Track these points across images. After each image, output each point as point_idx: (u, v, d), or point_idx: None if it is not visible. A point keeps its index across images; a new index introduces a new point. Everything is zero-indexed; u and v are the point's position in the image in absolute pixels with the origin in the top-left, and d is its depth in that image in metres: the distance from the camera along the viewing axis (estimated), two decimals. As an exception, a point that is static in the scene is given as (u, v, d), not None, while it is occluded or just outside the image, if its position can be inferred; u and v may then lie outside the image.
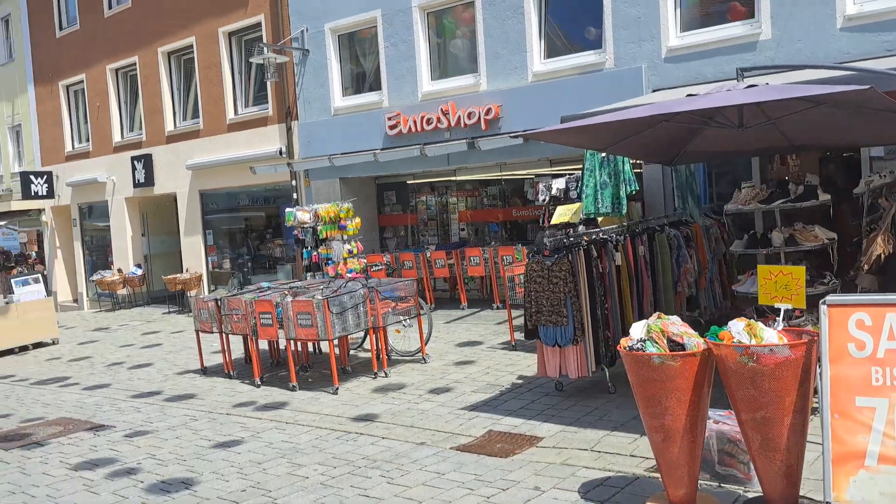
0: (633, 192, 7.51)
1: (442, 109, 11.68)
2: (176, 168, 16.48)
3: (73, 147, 19.65)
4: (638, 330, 3.88)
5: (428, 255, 12.17)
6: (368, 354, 9.12)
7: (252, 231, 16.36)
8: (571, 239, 6.59)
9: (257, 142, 14.74)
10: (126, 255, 18.10)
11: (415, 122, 12.02)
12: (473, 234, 13.38)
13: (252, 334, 8.30)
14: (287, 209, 12.11)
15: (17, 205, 20.19)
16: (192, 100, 16.59)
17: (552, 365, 6.41)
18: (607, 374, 6.41)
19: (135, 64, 17.36)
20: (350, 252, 11.70)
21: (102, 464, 5.73)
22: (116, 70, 17.98)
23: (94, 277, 18.10)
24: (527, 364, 7.83)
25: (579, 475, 4.62)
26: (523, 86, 11.02)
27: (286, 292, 8.49)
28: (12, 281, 14.69)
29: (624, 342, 3.93)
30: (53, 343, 13.55)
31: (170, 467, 5.55)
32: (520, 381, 7.16)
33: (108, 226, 18.72)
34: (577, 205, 7.17)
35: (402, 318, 8.46)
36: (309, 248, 11.78)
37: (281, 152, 14.16)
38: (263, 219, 16.11)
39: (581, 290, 6.26)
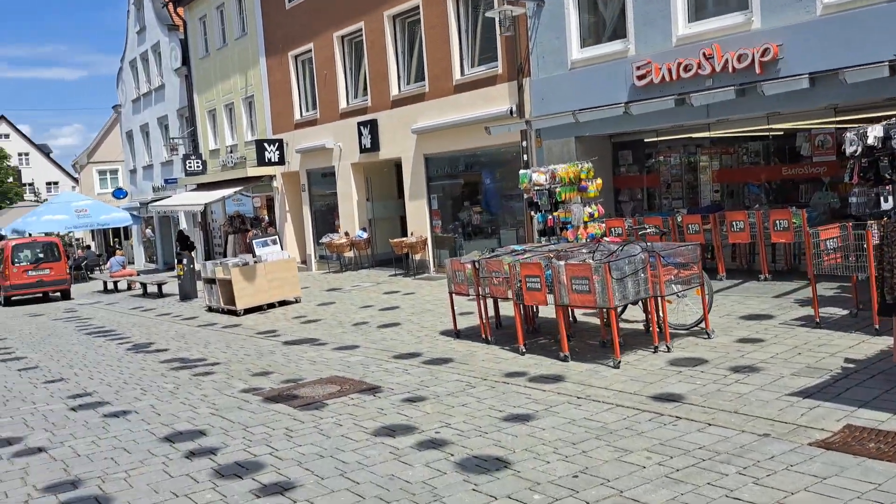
0: None
1: (704, 53, 10.37)
2: (401, 132, 16.52)
3: (301, 115, 20.52)
4: None
5: (679, 219, 10.99)
6: (629, 326, 8.32)
7: (474, 195, 16.03)
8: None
9: (485, 102, 14.26)
10: (352, 218, 18.63)
11: (669, 71, 10.82)
12: (728, 197, 11.98)
13: (516, 299, 7.76)
14: (521, 171, 11.52)
15: (252, 171, 21.55)
16: (416, 63, 16.49)
17: (918, 349, 5.17)
18: None
19: (360, 30, 17.60)
20: (591, 215, 10.90)
21: (400, 431, 5.41)
22: (342, 37, 18.37)
23: (324, 240, 18.85)
24: (847, 345, 6.58)
25: None
26: (810, 20, 9.42)
27: (550, 255, 7.86)
28: (254, 242, 15.55)
29: None
30: (296, 301, 14.12)
31: (473, 440, 5.09)
32: (851, 366, 5.95)
33: (335, 191, 19.38)
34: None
35: (683, 287, 7.50)
36: (544, 211, 11.12)
37: (511, 112, 13.57)
38: (486, 182, 15.69)
39: (966, 257, 4.95)
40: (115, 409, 6.74)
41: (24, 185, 56.42)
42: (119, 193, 34.47)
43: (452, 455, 4.81)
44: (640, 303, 7.54)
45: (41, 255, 20.67)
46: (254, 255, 14.43)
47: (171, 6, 26.71)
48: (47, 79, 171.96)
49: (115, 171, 44.94)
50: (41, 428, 6.21)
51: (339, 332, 10.49)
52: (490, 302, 8.78)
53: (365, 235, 18.32)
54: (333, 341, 9.76)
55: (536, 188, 10.95)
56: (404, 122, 16.35)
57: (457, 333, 9.01)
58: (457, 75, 15.01)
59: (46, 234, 25.24)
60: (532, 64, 13.19)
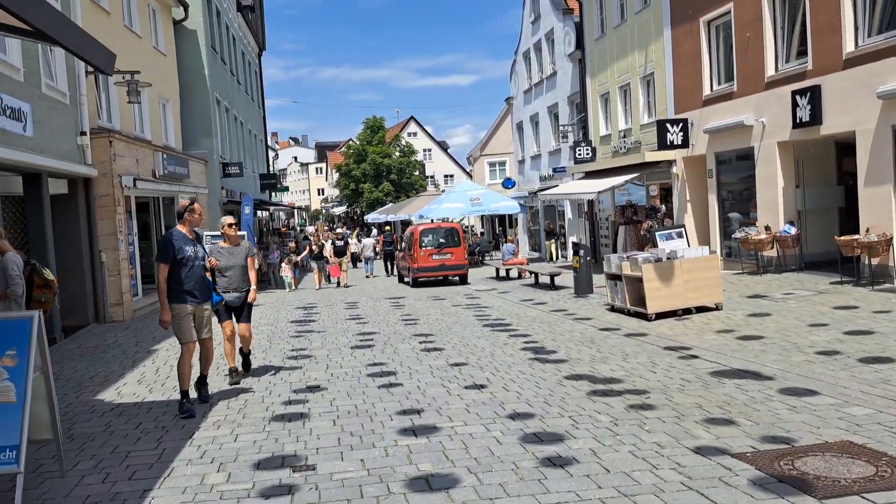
0: None
1: None
2: (857, 99, 12.85)
3: (711, 90, 17.80)
4: None
5: None
6: None
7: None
8: None
9: None
10: (775, 209, 15.40)
11: None
12: None
13: None
14: None
15: (649, 157, 19.52)
16: (882, 7, 12.62)
17: None
18: None
19: (801, -24, 14.25)
20: None
21: None
22: (773, -11, 15.18)
23: (738, 235, 15.97)
24: None
25: None
26: None
27: None
28: (656, 235, 13.46)
29: None
30: (717, 309, 11.69)
31: None
32: None
33: (751, 175, 16.32)
34: None
35: None
36: None
37: None
38: None
39: None
40: (547, 449, 5.24)
41: (427, 177, 63.11)
42: (508, 183, 35.52)
43: None
44: None
45: (442, 241, 21.50)
46: (667, 251, 12.33)
47: (566, -11, 26.02)
48: (446, 85, 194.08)
49: (503, 163, 47.14)
50: (463, 466, 4.97)
51: (801, 360, 7.83)
52: None
53: (793, 231, 14.95)
54: (799, 375, 7.17)
55: None
56: (863, 86, 12.67)
57: None
58: (959, 13, 10.90)
59: (443, 219, 26.61)
60: None
